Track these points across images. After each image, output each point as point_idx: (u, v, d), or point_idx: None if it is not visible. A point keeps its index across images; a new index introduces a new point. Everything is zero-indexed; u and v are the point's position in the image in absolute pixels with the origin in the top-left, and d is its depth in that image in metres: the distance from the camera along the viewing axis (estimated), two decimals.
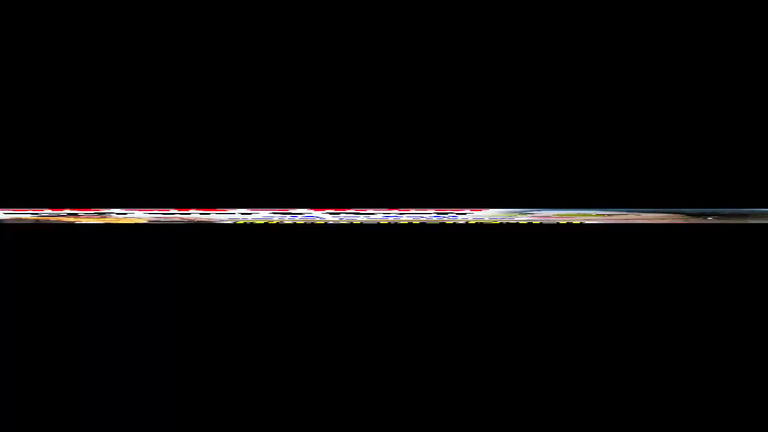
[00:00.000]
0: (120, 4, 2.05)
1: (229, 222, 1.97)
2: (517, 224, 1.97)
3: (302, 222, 1.96)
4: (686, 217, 1.93)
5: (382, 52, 2.03)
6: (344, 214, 1.95)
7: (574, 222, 1.95)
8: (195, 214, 1.96)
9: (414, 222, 1.95)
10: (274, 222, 1.96)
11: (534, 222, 1.95)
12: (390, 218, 1.94)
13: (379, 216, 1.94)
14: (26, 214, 1.98)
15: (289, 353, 2.03)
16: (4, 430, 2.01)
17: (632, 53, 2.01)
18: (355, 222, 1.95)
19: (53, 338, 2.04)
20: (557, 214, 1.94)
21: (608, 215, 1.94)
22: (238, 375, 2.03)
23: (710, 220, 1.93)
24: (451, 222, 1.95)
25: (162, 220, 1.96)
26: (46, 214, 1.98)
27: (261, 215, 1.95)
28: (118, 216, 1.97)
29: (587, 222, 1.95)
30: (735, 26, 2.00)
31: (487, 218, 1.94)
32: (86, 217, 1.97)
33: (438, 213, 1.94)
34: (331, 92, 2.04)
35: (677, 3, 2.01)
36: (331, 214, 1.95)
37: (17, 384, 2.04)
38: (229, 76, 2.05)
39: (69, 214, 1.97)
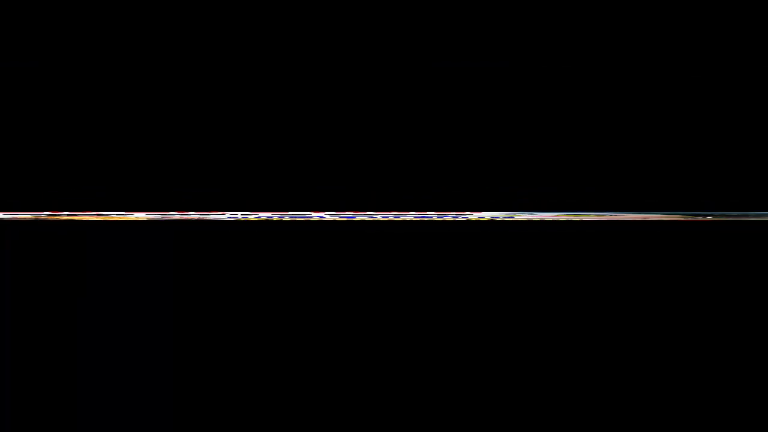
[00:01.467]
0: (119, 5, 2.05)
1: (230, 220, 1.97)
2: (517, 224, 1.97)
3: (302, 221, 1.96)
4: (686, 216, 1.94)
5: (382, 53, 2.04)
6: (344, 215, 1.95)
7: (574, 221, 1.96)
8: (194, 215, 1.96)
9: (414, 220, 1.95)
10: (274, 220, 1.96)
11: (534, 220, 1.96)
12: (389, 217, 1.94)
13: (378, 216, 1.94)
14: (26, 214, 1.98)
15: (289, 351, 2.03)
16: (4, 430, 2.01)
17: (632, 55, 2.01)
18: (354, 221, 1.95)
19: (54, 337, 2.04)
20: (557, 215, 1.95)
21: (608, 215, 1.94)
22: (239, 373, 2.03)
23: (710, 218, 1.93)
24: (452, 220, 1.95)
25: (162, 219, 1.96)
26: (46, 214, 1.98)
27: (262, 216, 1.95)
28: (117, 216, 1.97)
29: (587, 221, 1.95)
30: (735, 26, 2.00)
31: (487, 218, 1.94)
32: (86, 217, 1.97)
33: (438, 214, 1.94)
34: (330, 93, 2.04)
35: (677, 3, 2.01)
36: (330, 214, 1.95)
37: (17, 383, 2.04)
38: (229, 78, 2.05)
39: (69, 215, 1.97)
